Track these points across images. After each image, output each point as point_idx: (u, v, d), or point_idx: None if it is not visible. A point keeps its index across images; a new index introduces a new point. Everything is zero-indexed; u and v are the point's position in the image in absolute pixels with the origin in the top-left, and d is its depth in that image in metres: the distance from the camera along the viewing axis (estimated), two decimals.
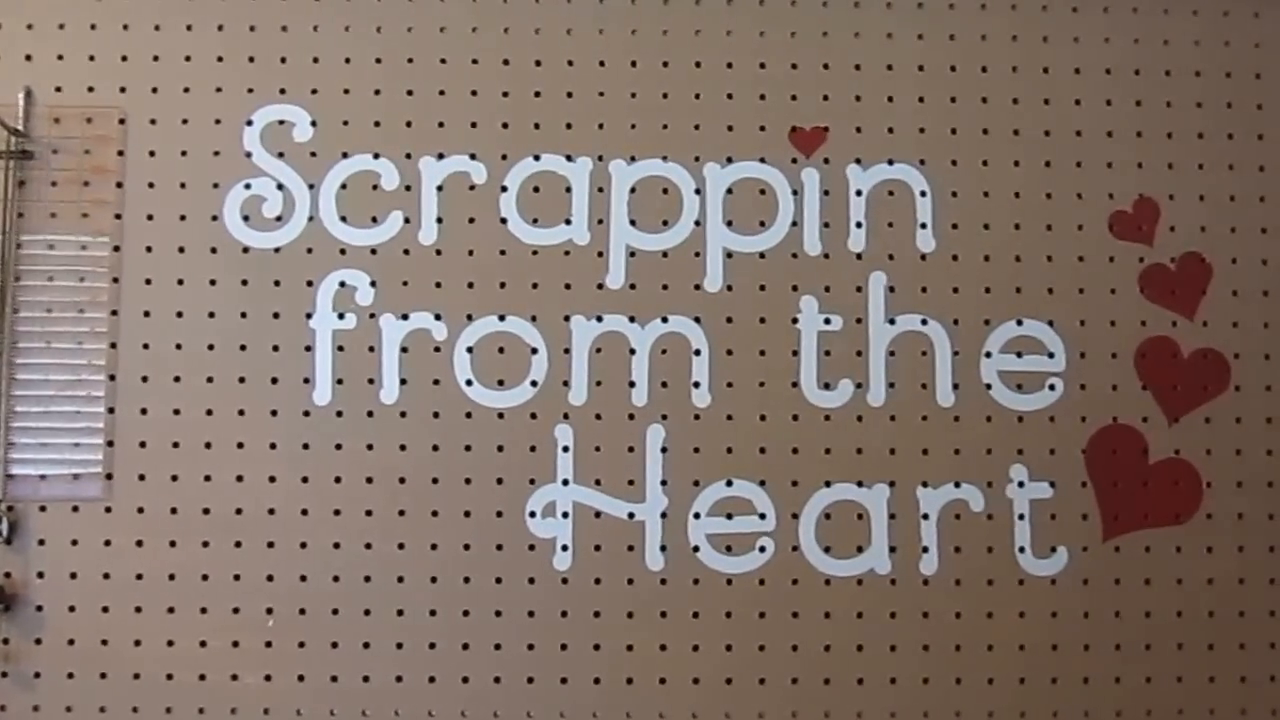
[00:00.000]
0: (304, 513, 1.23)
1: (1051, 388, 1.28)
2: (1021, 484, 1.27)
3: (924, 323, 1.28)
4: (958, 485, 1.26)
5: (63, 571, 1.21)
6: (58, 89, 1.26)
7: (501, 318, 1.26)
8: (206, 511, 1.22)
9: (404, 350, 1.25)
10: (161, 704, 1.21)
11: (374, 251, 1.26)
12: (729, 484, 1.25)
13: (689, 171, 1.28)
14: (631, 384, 1.26)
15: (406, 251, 1.26)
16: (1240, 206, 1.30)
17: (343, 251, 1.26)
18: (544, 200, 1.27)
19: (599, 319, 1.26)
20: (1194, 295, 1.29)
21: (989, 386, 1.27)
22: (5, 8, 1.26)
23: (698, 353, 1.26)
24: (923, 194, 1.29)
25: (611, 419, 1.25)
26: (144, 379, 1.23)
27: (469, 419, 1.24)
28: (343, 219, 1.26)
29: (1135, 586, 1.26)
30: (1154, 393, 1.28)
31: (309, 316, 1.25)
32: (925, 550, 1.26)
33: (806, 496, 1.25)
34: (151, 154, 1.26)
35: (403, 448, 1.24)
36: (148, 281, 1.24)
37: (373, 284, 1.25)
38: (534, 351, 1.26)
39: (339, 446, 1.23)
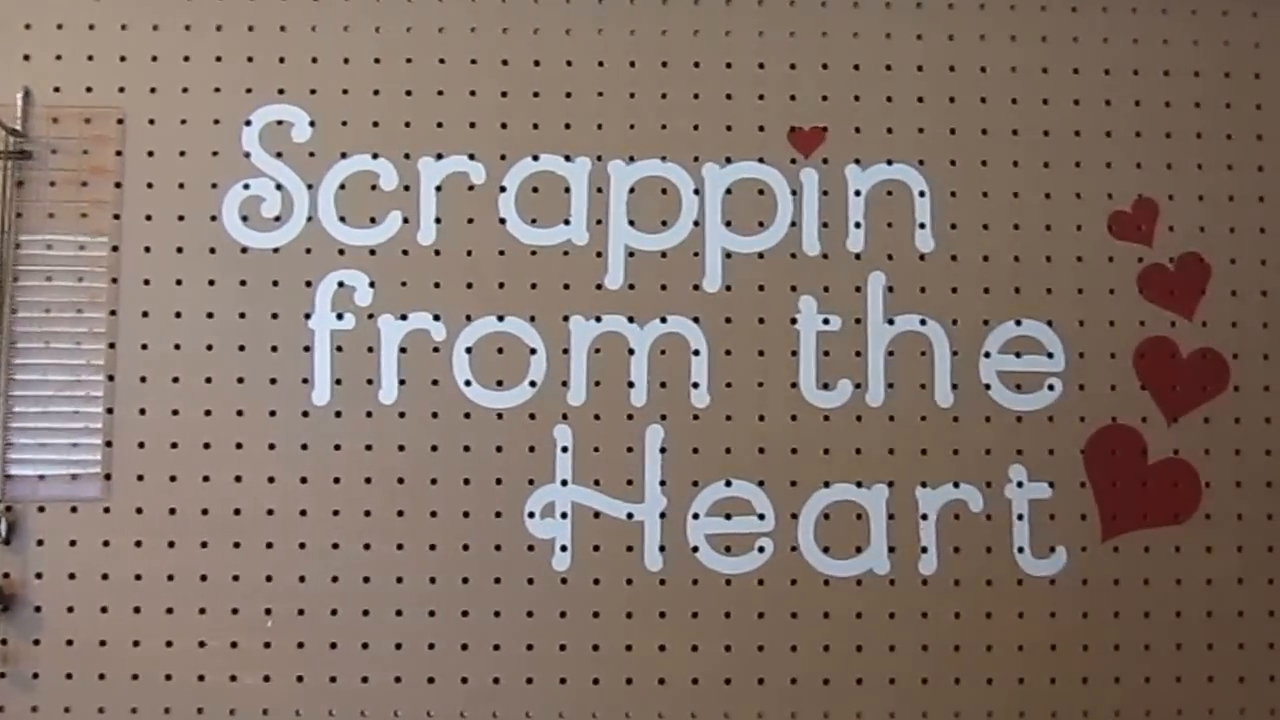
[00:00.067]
0: (303, 513, 1.23)
1: (1050, 388, 1.28)
2: (1020, 484, 1.27)
3: (923, 323, 1.28)
4: (957, 485, 1.26)
5: (61, 572, 1.21)
6: (56, 89, 1.26)
7: (500, 318, 1.26)
8: (205, 512, 1.22)
9: (403, 351, 1.25)
10: (160, 704, 1.21)
11: (373, 252, 1.26)
12: (728, 484, 1.25)
13: (688, 172, 1.28)
14: (630, 384, 1.26)
15: (405, 252, 1.26)
16: (1239, 207, 1.30)
17: (341, 252, 1.26)
18: (543, 200, 1.27)
19: (598, 319, 1.26)
20: (1193, 295, 1.29)
21: (988, 387, 1.27)
22: (3, 8, 1.26)
23: (696, 353, 1.26)
24: (921, 194, 1.29)
25: (610, 419, 1.25)
26: (142, 379, 1.23)
27: (468, 419, 1.24)
28: (341, 219, 1.26)
29: (1134, 586, 1.26)
30: (1153, 393, 1.28)
31: (307, 317, 1.25)
32: (924, 550, 1.26)
33: (805, 497, 1.25)
34: (150, 154, 1.26)
35: (401, 448, 1.24)
36: (146, 282, 1.24)
37: (371, 284, 1.25)
38: (533, 352, 1.26)
39: (338, 447, 1.23)
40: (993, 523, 1.26)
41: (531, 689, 1.23)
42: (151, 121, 1.26)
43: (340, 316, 1.25)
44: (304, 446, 1.23)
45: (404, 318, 1.25)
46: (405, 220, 1.26)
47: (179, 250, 1.25)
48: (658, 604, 1.24)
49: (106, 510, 1.22)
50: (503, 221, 1.27)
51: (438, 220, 1.27)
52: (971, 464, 1.27)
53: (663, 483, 1.25)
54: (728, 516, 1.25)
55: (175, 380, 1.23)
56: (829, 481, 1.26)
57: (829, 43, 1.30)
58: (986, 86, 1.30)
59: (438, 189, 1.27)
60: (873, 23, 1.30)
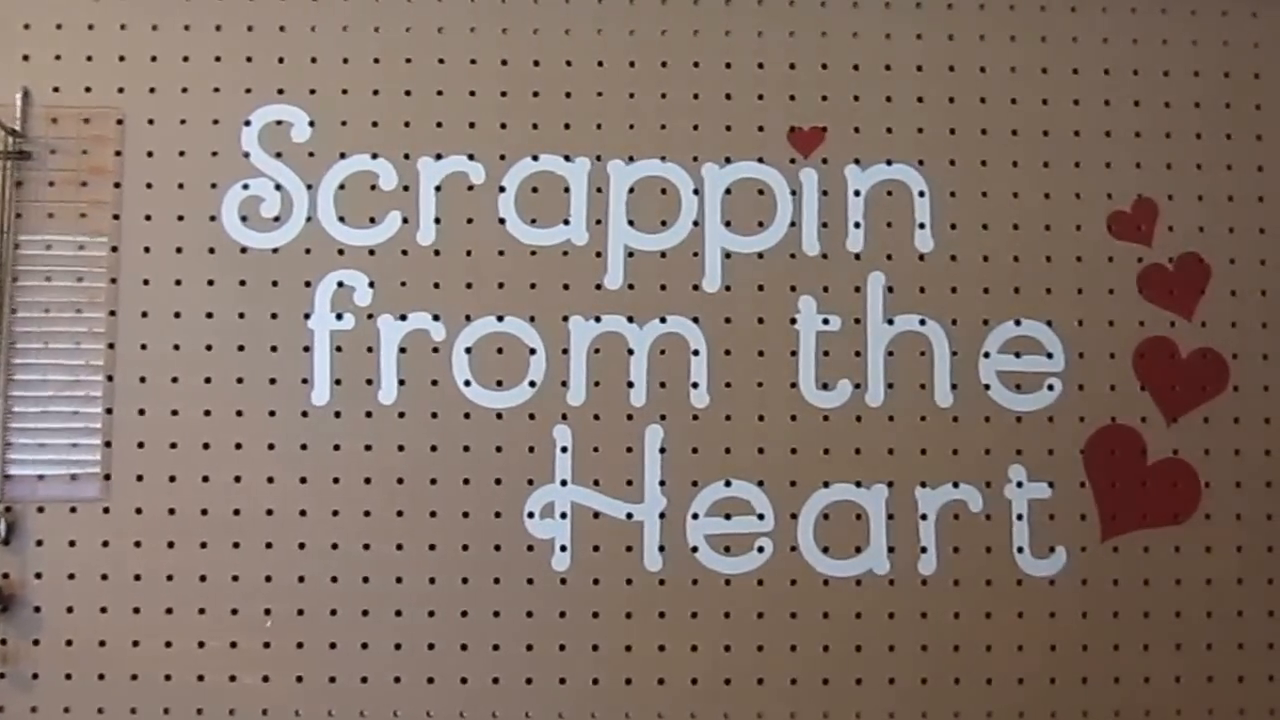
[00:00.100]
0: (302, 513, 1.23)
1: (1050, 388, 1.28)
2: (1020, 484, 1.27)
3: (922, 323, 1.28)
4: (956, 485, 1.26)
5: (60, 572, 1.21)
6: (55, 89, 1.25)
7: (500, 318, 1.26)
8: (204, 512, 1.22)
9: (402, 351, 1.25)
10: (159, 705, 1.21)
11: (372, 252, 1.26)
12: (727, 484, 1.25)
13: (687, 172, 1.28)
14: (630, 384, 1.26)
15: (405, 252, 1.26)
16: (1239, 207, 1.30)
17: (341, 252, 1.26)
18: (542, 200, 1.27)
19: (597, 319, 1.26)
20: (1192, 295, 1.29)
21: (987, 387, 1.27)
22: (2, 8, 1.26)
23: (696, 353, 1.26)
24: (921, 194, 1.29)
25: (610, 419, 1.25)
26: (142, 379, 1.23)
27: (467, 419, 1.24)
28: (341, 219, 1.26)
29: (1134, 587, 1.26)
30: (1152, 393, 1.28)
31: (307, 317, 1.25)
32: (924, 550, 1.26)
33: (805, 497, 1.25)
34: (149, 154, 1.26)
35: (401, 448, 1.24)
36: (145, 282, 1.24)
37: (371, 284, 1.25)
38: (532, 352, 1.26)
39: (337, 447, 1.23)
40: (992, 523, 1.26)
41: (531, 689, 1.23)
42: (151, 122, 1.26)
43: (340, 317, 1.25)
44: (303, 447, 1.23)
45: (403, 318, 1.25)
46: (405, 220, 1.26)
47: (178, 250, 1.25)
48: (657, 604, 1.24)
49: (106, 510, 1.22)
50: (502, 221, 1.27)
51: (437, 220, 1.27)
52: (971, 464, 1.27)
53: (662, 483, 1.25)
54: (727, 516, 1.25)
55: (174, 380, 1.23)
56: (828, 481, 1.26)
57: (828, 43, 1.30)
58: (986, 87, 1.30)
59: (437, 189, 1.27)
60: (872, 23, 1.30)
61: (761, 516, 1.25)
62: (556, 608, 1.23)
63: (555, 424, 1.25)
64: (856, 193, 1.29)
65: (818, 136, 1.29)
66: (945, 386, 1.27)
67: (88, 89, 1.26)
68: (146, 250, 1.25)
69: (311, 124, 1.27)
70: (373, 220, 1.26)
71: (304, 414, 1.24)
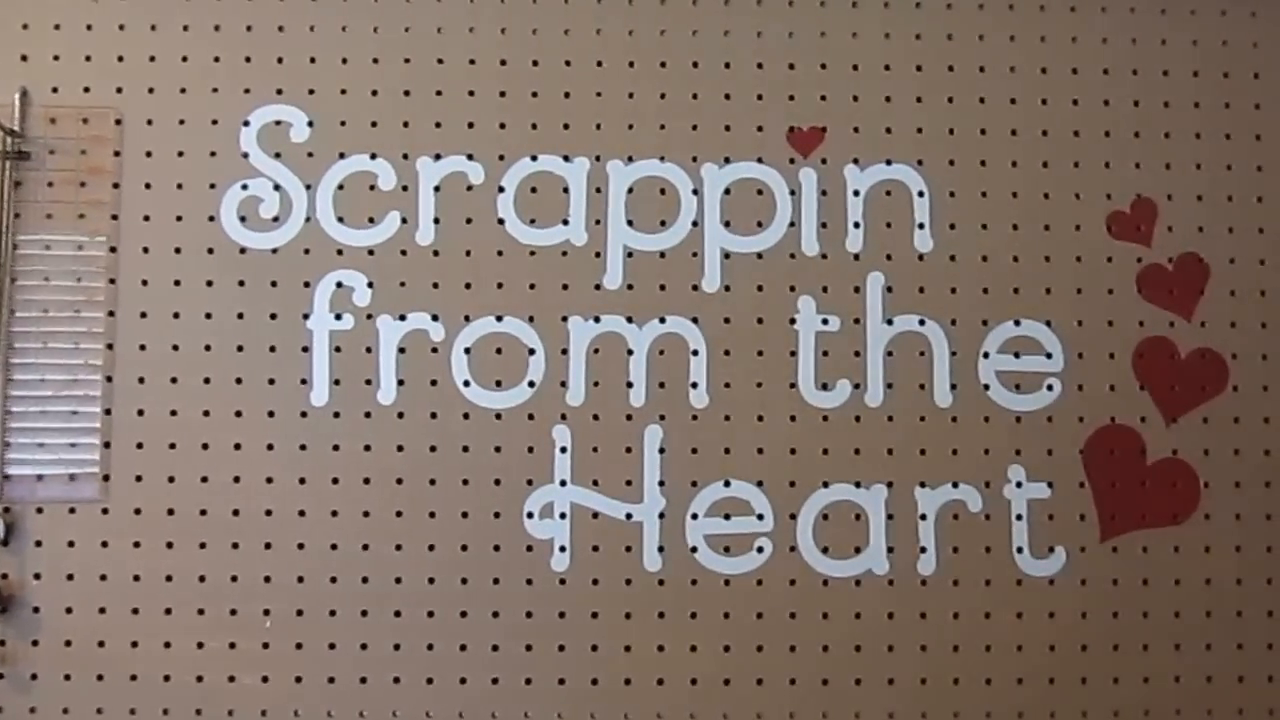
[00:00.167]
0: (301, 514, 1.23)
1: (1049, 388, 1.28)
2: (1019, 484, 1.27)
3: (922, 323, 1.28)
4: (955, 486, 1.26)
5: (60, 573, 1.21)
6: (54, 89, 1.25)
7: (499, 318, 1.26)
8: (204, 513, 1.22)
9: (401, 351, 1.25)
10: (158, 705, 1.21)
11: (371, 252, 1.26)
12: (727, 484, 1.25)
13: (686, 172, 1.28)
14: (629, 385, 1.26)
15: (404, 252, 1.26)
16: (1238, 207, 1.30)
17: (340, 252, 1.26)
18: (541, 201, 1.27)
19: (596, 319, 1.26)
20: (1192, 295, 1.29)
21: (987, 387, 1.27)
22: (1, 8, 1.26)
23: (695, 353, 1.26)
24: (920, 194, 1.29)
25: (609, 420, 1.25)
26: (141, 380, 1.23)
27: (466, 420, 1.24)
28: (340, 220, 1.26)
29: (1133, 587, 1.26)
30: (1152, 393, 1.28)
31: (306, 317, 1.25)
32: (923, 551, 1.26)
33: (804, 497, 1.25)
34: (148, 154, 1.26)
35: (400, 449, 1.24)
36: (144, 282, 1.24)
37: (370, 285, 1.25)
38: (531, 352, 1.25)
39: (336, 447, 1.23)
40: (991, 523, 1.26)
41: (530, 689, 1.23)
42: (149, 122, 1.26)
43: (339, 317, 1.25)
44: (302, 447, 1.23)
45: (402, 318, 1.25)
46: (404, 220, 1.26)
47: (177, 251, 1.25)
48: (656, 604, 1.24)
49: (105, 511, 1.22)
50: (501, 222, 1.27)
51: (436, 220, 1.26)
52: (970, 464, 1.26)
53: (661, 483, 1.25)
54: (726, 517, 1.25)
55: (173, 381, 1.23)
56: (828, 482, 1.26)
57: (828, 43, 1.30)
58: (985, 87, 1.30)
59: (436, 189, 1.27)
60: (871, 23, 1.30)
61: (761, 517, 1.25)
62: (556, 608, 1.23)
63: (554, 424, 1.25)
64: (856, 193, 1.29)
65: (817, 136, 1.29)
66: (944, 387, 1.27)
67: (86, 89, 1.26)
68: (145, 250, 1.25)
69: (310, 124, 1.27)
70: (372, 220, 1.26)
71: (303, 414, 1.23)
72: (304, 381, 1.24)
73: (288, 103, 1.27)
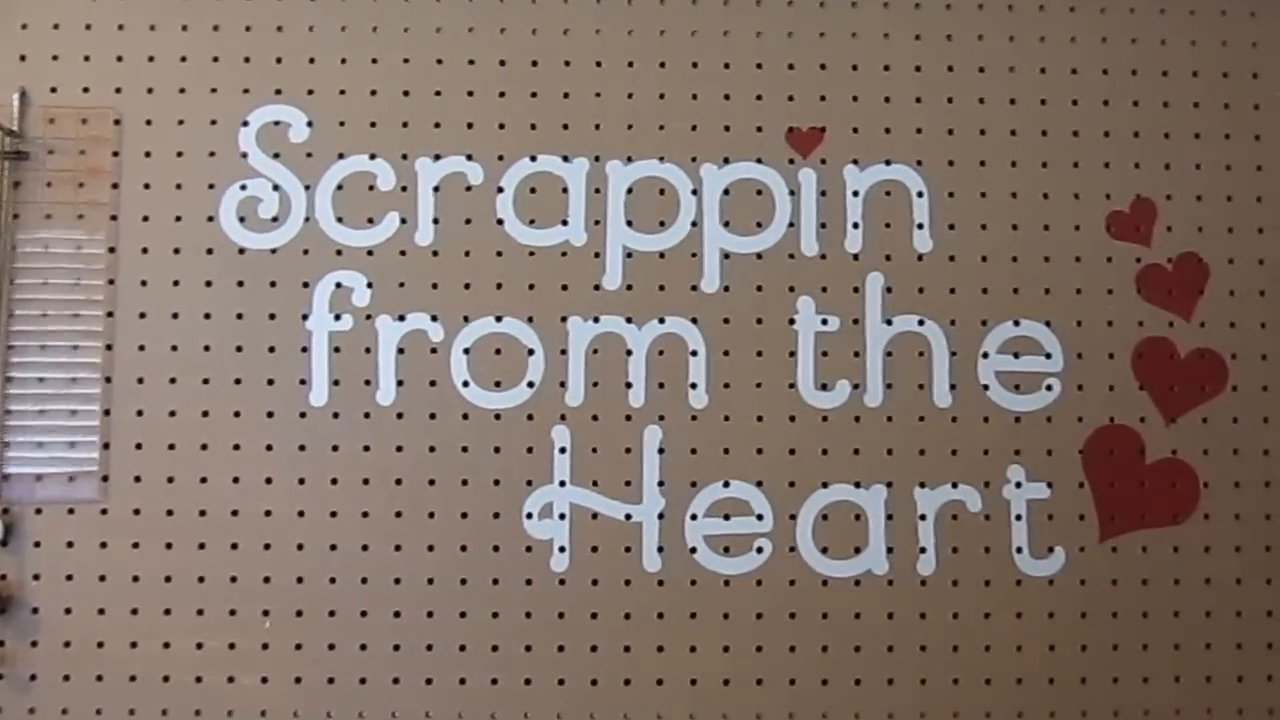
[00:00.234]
0: (300, 514, 1.23)
1: (1049, 388, 1.28)
2: (1019, 484, 1.27)
3: (921, 323, 1.28)
4: (955, 486, 1.26)
5: (59, 573, 1.21)
6: (53, 89, 1.25)
7: (498, 319, 1.26)
8: (203, 513, 1.22)
9: (400, 351, 1.25)
10: (158, 706, 1.21)
11: (370, 253, 1.26)
12: (726, 485, 1.25)
13: (686, 172, 1.28)
14: (628, 385, 1.26)
15: (403, 252, 1.26)
16: (1238, 207, 1.30)
17: (339, 253, 1.26)
18: (540, 201, 1.27)
19: (596, 320, 1.26)
20: (1191, 296, 1.29)
21: (986, 387, 1.27)
22: (0, 8, 1.26)
23: (695, 354, 1.26)
24: (920, 194, 1.29)
25: (608, 420, 1.25)
26: (140, 380, 1.23)
27: (466, 420, 1.24)
28: (339, 220, 1.26)
29: (1132, 587, 1.26)
30: (1151, 393, 1.28)
31: (305, 318, 1.25)
32: (923, 551, 1.26)
33: (804, 497, 1.25)
34: (147, 155, 1.25)
35: (399, 449, 1.24)
36: (143, 283, 1.24)
37: (369, 285, 1.25)
38: (531, 353, 1.25)
39: (335, 448, 1.23)
40: (991, 523, 1.26)
41: (530, 690, 1.23)
42: (149, 122, 1.26)
43: (338, 317, 1.25)
44: (302, 448, 1.23)
45: (402, 318, 1.25)
46: (403, 221, 1.26)
47: (176, 251, 1.25)
48: (656, 605, 1.24)
49: (104, 511, 1.22)
50: (500, 222, 1.27)
51: (435, 221, 1.26)
52: (970, 464, 1.26)
53: (661, 483, 1.25)
54: (726, 517, 1.25)
55: (173, 381, 1.23)
56: (827, 482, 1.26)
57: (827, 43, 1.30)
58: (985, 87, 1.30)
59: (435, 190, 1.27)
60: (871, 23, 1.30)
61: (760, 517, 1.25)
62: (555, 608, 1.23)
63: (554, 425, 1.25)
64: (855, 193, 1.29)
65: (816, 137, 1.29)
66: (944, 387, 1.27)
67: (85, 89, 1.26)
68: (144, 251, 1.24)
69: (309, 124, 1.26)
70: (371, 221, 1.26)
71: (302, 415, 1.23)
72: (303, 382, 1.24)
73: (287, 103, 1.26)
